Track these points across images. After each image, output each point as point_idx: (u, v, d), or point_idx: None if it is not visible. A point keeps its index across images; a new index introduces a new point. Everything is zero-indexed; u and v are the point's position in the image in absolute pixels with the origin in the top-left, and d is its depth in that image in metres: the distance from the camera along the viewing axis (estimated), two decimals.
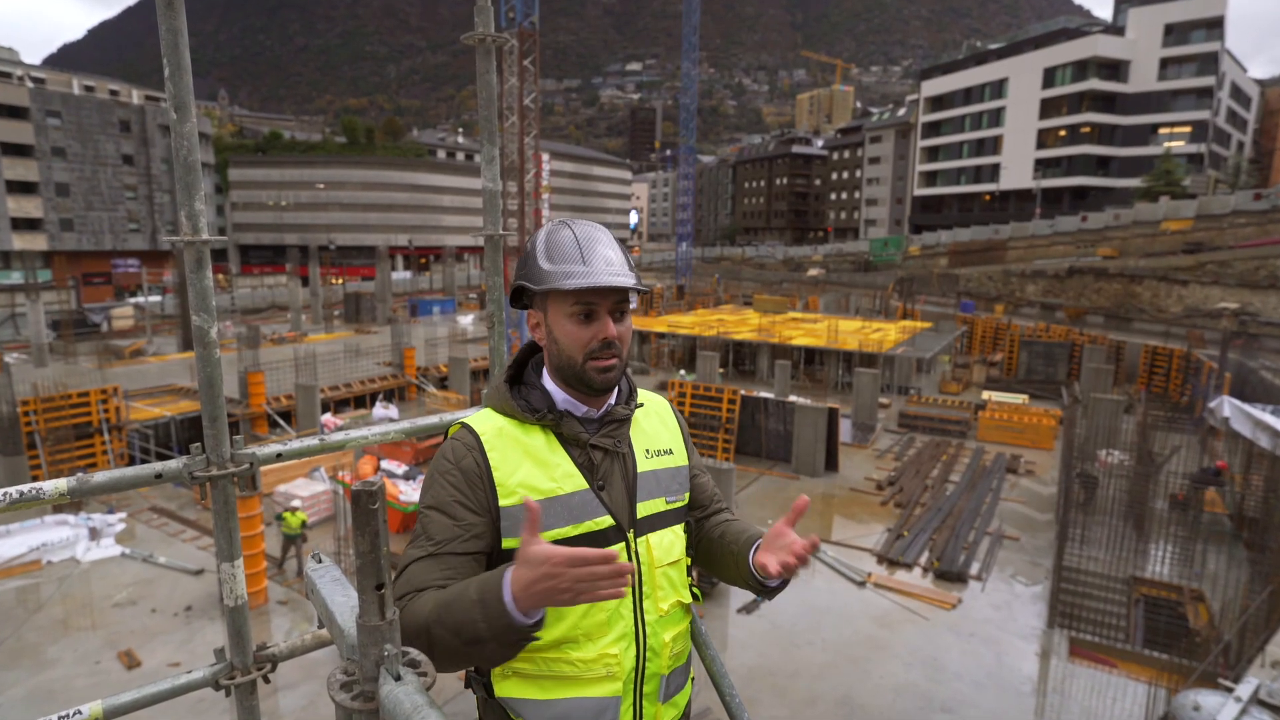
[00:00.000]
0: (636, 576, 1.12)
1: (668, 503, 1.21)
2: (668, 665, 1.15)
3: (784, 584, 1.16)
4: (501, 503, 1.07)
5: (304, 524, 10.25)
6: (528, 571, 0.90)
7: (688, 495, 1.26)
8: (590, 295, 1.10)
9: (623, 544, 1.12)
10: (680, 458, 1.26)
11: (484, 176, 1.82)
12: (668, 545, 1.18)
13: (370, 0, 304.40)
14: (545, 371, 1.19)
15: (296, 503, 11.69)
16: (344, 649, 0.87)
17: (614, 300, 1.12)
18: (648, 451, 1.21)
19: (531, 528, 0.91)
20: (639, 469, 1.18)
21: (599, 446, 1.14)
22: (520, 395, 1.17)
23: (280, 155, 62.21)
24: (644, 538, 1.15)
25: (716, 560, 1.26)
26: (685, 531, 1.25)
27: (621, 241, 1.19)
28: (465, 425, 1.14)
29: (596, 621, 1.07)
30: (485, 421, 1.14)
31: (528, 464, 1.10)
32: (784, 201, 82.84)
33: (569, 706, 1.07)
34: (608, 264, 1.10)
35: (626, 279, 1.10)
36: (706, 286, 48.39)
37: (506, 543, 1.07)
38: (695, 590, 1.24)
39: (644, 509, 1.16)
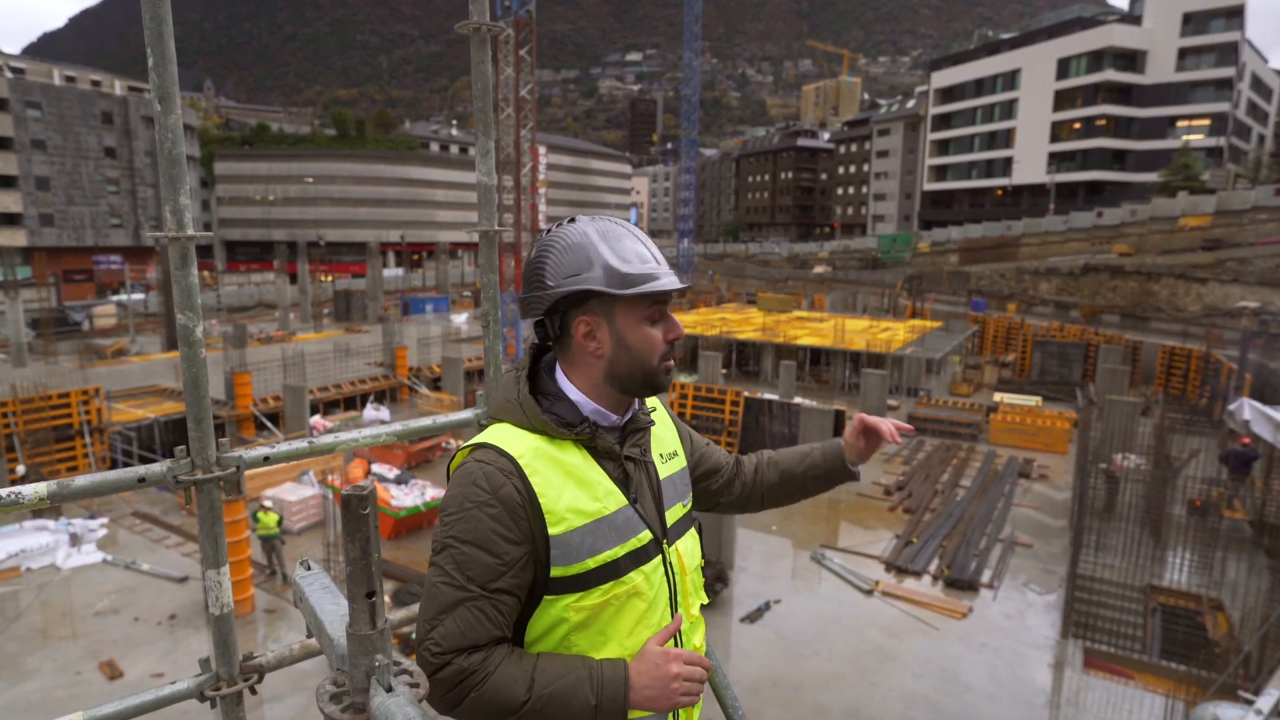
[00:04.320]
0: (673, 586, 1.12)
1: (684, 506, 1.21)
2: None
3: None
4: (551, 531, 1.01)
5: (280, 523, 10.00)
6: (660, 671, 1.00)
7: (692, 495, 1.27)
8: (665, 297, 1.09)
9: (659, 556, 1.10)
10: (683, 459, 1.25)
11: (479, 170, 1.78)
12: (691, 550, 1.18)
13: None
14: (563, 378, 1.11)
15: (268, 502, 11.40)
16: (333, 659, 0.86)
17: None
18: (661, 456, 1.19)
19: (666, 635, 1.05)
20: (659, 476, 1.16)
21: (630, 458, 1.10)
22: (548, 408, 1.08)
23: (268, 148, 60.77)
24: (673, 546, 1.15)
25: (791, 491, 1.40)
26: (698, 532, 1.25)
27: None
28: (494, 448, 1.03)
29: (642, 640, 1.06)
30: (515, 441, 1.04)
31: (571, 486, 1.04)
32: (789, 196, 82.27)
33: None
34: (658, 261, 1.10)
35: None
36: (709, 284, 48.14)
37: (555, 571, 1.02)
38: (705, 593, 1.25)
39: (671, 516, 1.16)
